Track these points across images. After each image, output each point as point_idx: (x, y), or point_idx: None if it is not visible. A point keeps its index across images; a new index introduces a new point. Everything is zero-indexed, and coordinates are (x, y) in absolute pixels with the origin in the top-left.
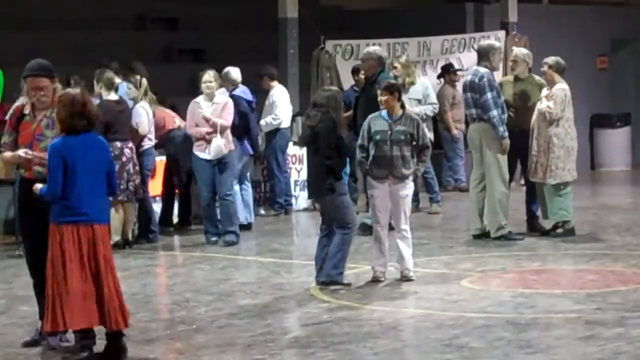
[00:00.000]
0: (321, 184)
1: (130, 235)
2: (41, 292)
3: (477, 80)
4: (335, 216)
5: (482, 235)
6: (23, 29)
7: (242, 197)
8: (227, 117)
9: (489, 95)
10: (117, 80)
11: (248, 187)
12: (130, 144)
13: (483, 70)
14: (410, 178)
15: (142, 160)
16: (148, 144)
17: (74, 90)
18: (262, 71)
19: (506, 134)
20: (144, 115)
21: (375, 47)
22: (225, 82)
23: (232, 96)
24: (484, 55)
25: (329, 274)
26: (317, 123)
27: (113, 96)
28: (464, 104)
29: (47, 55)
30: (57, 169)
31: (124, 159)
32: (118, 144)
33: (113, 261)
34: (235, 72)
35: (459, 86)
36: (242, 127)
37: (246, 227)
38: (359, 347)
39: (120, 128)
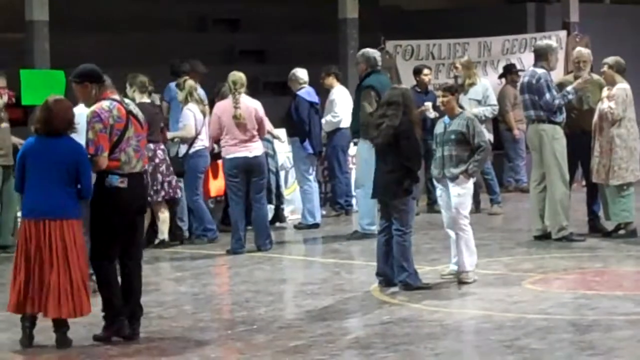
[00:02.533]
0: (398, 185)
1: (166, 235)
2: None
3: (534, 81)
4: (401, 217)
5: (543, 236)
6: (85, 30)
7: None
8: None
9: (547, 95)
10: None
11: (313, 185)
12: (162, 146)
13: (540, 71)
14: (463, 177)
15: (192, 161)
16: (200, 145)
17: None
18: (329, 70)
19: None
20: (190, 118)
21: (365, 49)
22: (293, 82)
23: (295, 96)
24: (542, 56)
25: (402, 280)
26: (399, 123)
27: (146, 99)
28: (522, 105)
29: (109, 56)
30: (17, 167)
31: (157, 160)
32: (151, 145)
33: (72, 253)
34: (302, 73)
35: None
36: (301, 128)
37: (312, 226)
38: (419, 348)
39: (154, 130)
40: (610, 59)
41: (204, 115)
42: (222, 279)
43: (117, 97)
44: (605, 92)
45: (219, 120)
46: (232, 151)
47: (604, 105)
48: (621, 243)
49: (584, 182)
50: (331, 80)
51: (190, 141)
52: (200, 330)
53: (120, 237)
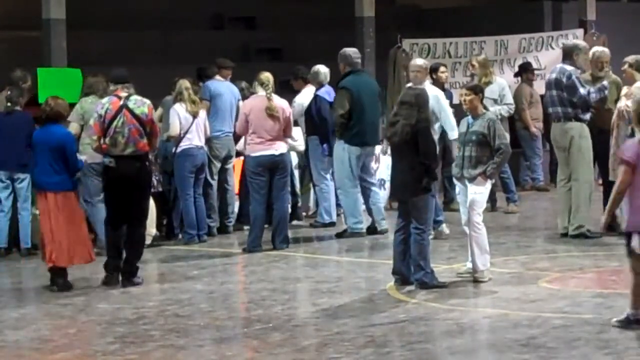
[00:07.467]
0: (417, 183)
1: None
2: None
3: (564, 79)
4: (420, 216)
5: (567, 234)
6: (101, 29)
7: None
8: None
9: (582, 90)
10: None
11: (329, 184)
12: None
13: (569, 68)
14: (481, 178)
15: (178, 160)
16: (187, 144)
17: None
18: (298, 73)
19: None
20: (175, 117)
21: (346, 49)
22: (314, 80)
23: (316, 96)
24: (567, 55)
25: (418, 278)
26: (417, 122)
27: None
28: (548, 102)
29: (126, 55)
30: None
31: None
32: None
33: (62, 215)
34: (325, 71)
35: (536, 85)
36: (324, 130)
37: (328, 225)
38: (435, 346)
39: None
40: (631, 58)
41: (194, 116)
42: (238, 277)
43: (123, 94)
44: (624, 90)
45: (247, 118)
46: (258, 149)
47: (621, 103)
48: None
49: (600, 181)
50: (300, 84)
51: (177, 141)
52: (216, 328)
53: (118, 207)
